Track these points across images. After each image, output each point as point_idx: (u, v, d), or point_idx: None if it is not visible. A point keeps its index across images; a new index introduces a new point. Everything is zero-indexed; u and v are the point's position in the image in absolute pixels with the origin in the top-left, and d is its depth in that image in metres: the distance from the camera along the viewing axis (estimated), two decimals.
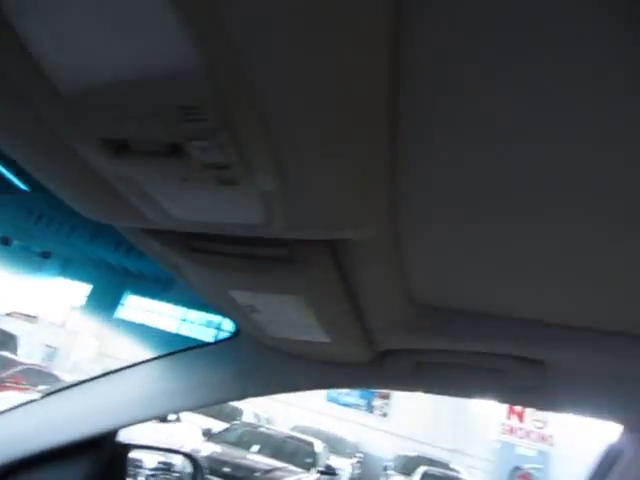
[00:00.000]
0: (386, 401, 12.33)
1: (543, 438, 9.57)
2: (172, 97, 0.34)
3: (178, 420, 6.83)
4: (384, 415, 12.32)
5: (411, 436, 11.20)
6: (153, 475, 4.63)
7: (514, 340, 0.89)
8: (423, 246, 0.67)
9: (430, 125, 0.44)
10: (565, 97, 0.39)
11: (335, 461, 8.03)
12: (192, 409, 1.16)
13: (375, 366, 1.03)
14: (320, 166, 0.44)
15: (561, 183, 0.49)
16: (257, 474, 5.75)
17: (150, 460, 4.59)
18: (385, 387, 1.09)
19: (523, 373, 0.95)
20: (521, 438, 7.78)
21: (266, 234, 0.56)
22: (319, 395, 11.68)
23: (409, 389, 1.08)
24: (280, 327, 0.83)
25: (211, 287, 0.73)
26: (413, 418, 11.53)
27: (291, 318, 0.76)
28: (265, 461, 6.28)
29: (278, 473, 6.02)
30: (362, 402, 12.39)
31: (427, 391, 1.07)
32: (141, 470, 4.49)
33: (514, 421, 8.05)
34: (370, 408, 12.46)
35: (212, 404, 1.15)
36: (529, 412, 7.74)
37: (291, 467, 6.48)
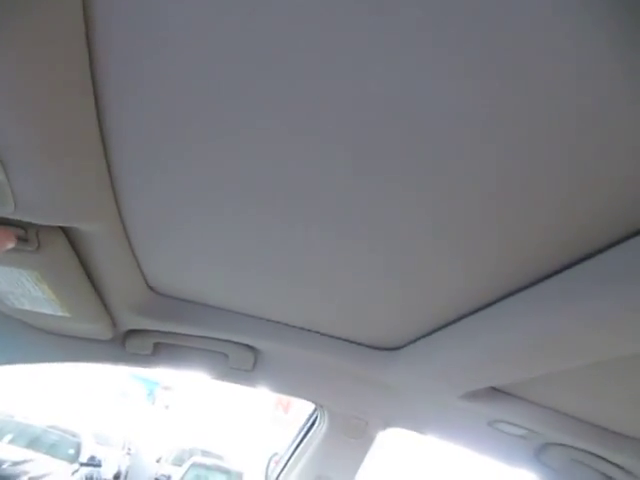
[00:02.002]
0: (169, 393, 12.15)
1: None
2: None
3: None
4: (166, 407, 12.12)
5: (193, 429, 11.22)
6: None
7: (234, 329, 1.09)
8: (150, 239, 0.79)
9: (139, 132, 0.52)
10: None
11: (103, 452, 7.65)
12: None
13: (117, 344, 1.14)
14: (41, 165, 0.50)
15: (257, 191, 0.58)
16: (4, 465, 5.19)
17: None
18: (126, 364, 1.20)
19: (240, 357, 1.17)
20: (284, 428, 8.53)
21: (3, 214, 0.65)
22: (93, 385, 10.94)
23: (147, 366, 1.21)
24: (19, 299, 0.89)
25: None
26: (197, 411, 11.57)
27: (29, 291, 0.83)
28: (17, 452, 5.70)
29: (29, 465, 5.51)
30: (143, 392, 12.00)
31: (164, 368, 1.22)
32: None
33: (280, 412, 8.81)
34: (152, 400, 12.13)
35: None
36: (294, 404, 8.53)
37: (48, 458, 5.99)
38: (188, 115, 0.48)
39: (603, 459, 1.14)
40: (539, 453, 1.22)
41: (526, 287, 0.65)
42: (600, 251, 0.54)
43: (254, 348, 1.15)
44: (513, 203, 0.50)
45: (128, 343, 1.13)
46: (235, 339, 1.13)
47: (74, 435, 6.94)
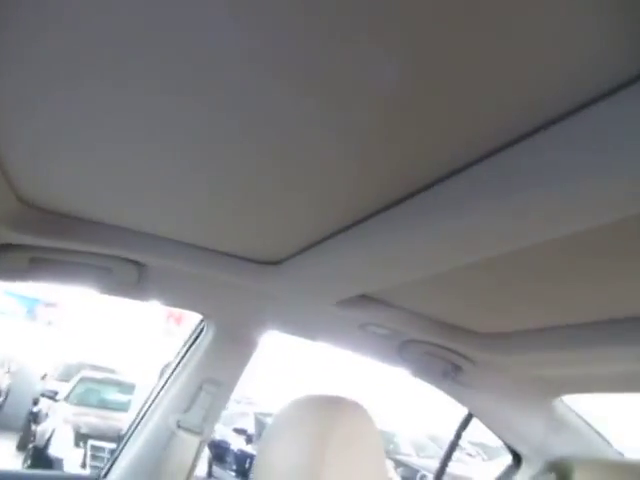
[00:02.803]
0: (52, 309, 11.61)
1: None
2: None
3: None
4: (49, 323, 11.61)
5: (80, 344, 10.93)
6: None
7: (117, 244, 1.08)
8: (22, 148, 0.76)
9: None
10: None
11: None
12: None
13: None
14: None
15: (144, 94, 0.57)
16: None
17: None
18: (1, 280, 1.15)
19: (124, 271, 1.17)
20: (176, 340, 8.79)
21: None
22: None
23: (24, 281, 1.17)
24: None
25: None
26: (85, 327, 11.24)
27: None
28: None
29: None
30: (21, 310, 11.34)
31: (42, 283, 1.19)
32: None
33: (172, 325, 8.96)
34: (32, 316, 11.53)
35: None
36: (187, 317, 8.70)
37: None
38: None
39: (451, 351, 1.36)
40: (400, 349, 1.41)
41: (394, 204, 0.73)
42: (464, 168, 0.60)
43: (138, 262, 1.16)
44: (405, 111, 0.53)
45: (1, 258, 1.07)
46: (118, 254, 1.12)
47: None
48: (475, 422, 1.61)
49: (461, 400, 1.56)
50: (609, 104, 0.45)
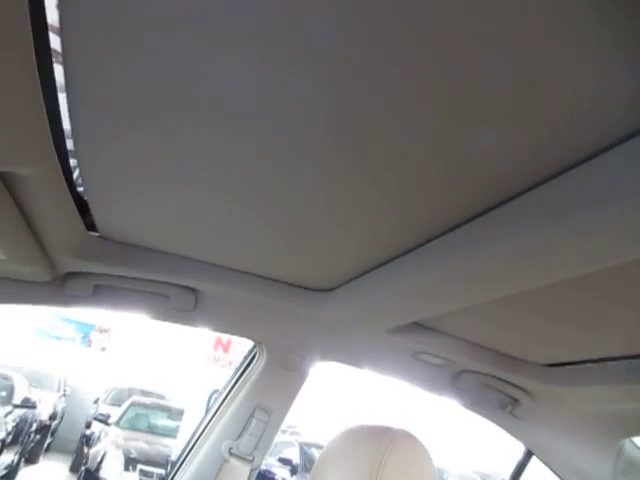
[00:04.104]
0: (106, 335, 12.02)
1: None
2: None
3: None
4: (103, 349, 12.00)
5: (132, 370, 11.21)
6: None
7: (175, 271, 1.13)
8: (99, 183, 0.82)
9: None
10: None
11: (37, 395, 7.57)
12: None
13: (56, 286, 1.14)
14: None
15: (202, 130, 0.61)
16: None
17: None
18: (66, 306, 1.21)
19: (181, 298, 1.21)
20: (223, 367, 8.78)
21: None
22: (25, 328, 10.62)
23: (88, 307, 1.23)
24: None
25: None
26: (136, 353, 11.54)
27: None
28: None
29: None
30: (77, 335, 11.80)
31: (104, 309, 1.24)
32: None
33: (220, 352, 9.05)
34: (87, 342, 11.96)
35: None
36: (234, 343, 8.77)
37: None
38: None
39: (509, 383, 1.31)
40: (454, 380, 1.37)
41: (443, 233, 0.73)
42: (519, 194, 0.60)
43: (195, 289, 1.20)
44: (446, 144, 0.55)
45: (68, 285, 1.13)
46: (176, 281, 1.16)
47: (6, 378, 6.81)
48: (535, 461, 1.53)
49: (519, 436, 1.49)
50: None
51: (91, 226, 0.99)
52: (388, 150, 0.58)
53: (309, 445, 8.08)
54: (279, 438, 8.55)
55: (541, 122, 0.48)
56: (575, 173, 0.53)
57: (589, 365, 1.09)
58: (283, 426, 1.46)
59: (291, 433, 9.48)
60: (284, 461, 8.02)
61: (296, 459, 7.95)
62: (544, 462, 1.50)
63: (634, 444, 1.33)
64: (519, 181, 0.58)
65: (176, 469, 1.48)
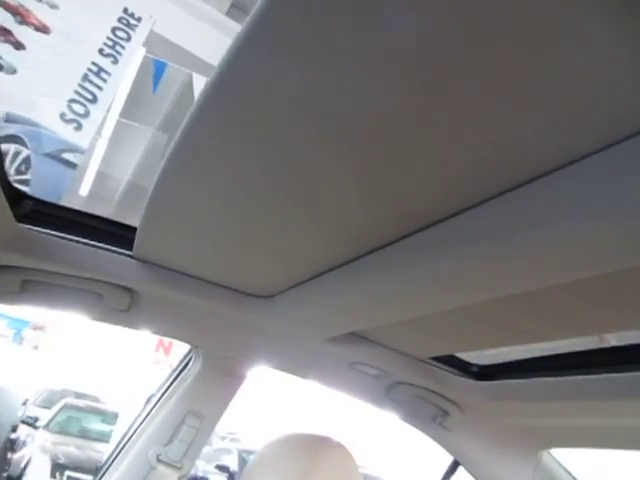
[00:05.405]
0: (40, 333, 11.44)
1: None
2: None
3: None
4: (35, 348, 11.41)
5: (66, 370, 10.72)
6: None
7: (110, 270, 1.09)
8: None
9: None
10: None
11: None
12: None
13: None
14: None
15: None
16: None
17: None
18: None
19: (116, 298, 1.16)
20: (163, 369, 8.57)
21: None
22: None
23: (15, 304, 1.17)
24: None
25: None
26: (72, 353, 11.04)
27: None
28: None
29: None
30: (9, 332, 11.17)
31: (33, 306, 1.18)
32: None
33: (161, 354, 8.82)
34: (20, 339, 11.34)
35: None
36: (176, 345, 8.57)
37: None
38: None
39: (440, 395, 1.34)
40: (389, 391, 1.39)
41: (389, 243, 0.74)
42: (463, 210, 0.60)
43: (130, 289, 1.16)
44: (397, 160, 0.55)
45: None
46: (110, 279, 1.12)
47: None
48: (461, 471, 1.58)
49: (447, 447, 1.53)
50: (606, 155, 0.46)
51: (22, 217, 0.95)
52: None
53: (248, 452, 7.96)
54: (217, 445, 8.38)
55: (507, 127, 0.48)
56: (508, 198, 0.55)
57: (517, 381, 1.13)
58: (222, 432, 1.43)
59: (231, 440, 9.32)
60: (222, 468, 7.87)
61: (234, 466, 7.81)
62: (470, 472, 1.55)
63: (551, 456, 1.40)
64: (464, 197, 0.59)
65: (100, 476, 1.42)
